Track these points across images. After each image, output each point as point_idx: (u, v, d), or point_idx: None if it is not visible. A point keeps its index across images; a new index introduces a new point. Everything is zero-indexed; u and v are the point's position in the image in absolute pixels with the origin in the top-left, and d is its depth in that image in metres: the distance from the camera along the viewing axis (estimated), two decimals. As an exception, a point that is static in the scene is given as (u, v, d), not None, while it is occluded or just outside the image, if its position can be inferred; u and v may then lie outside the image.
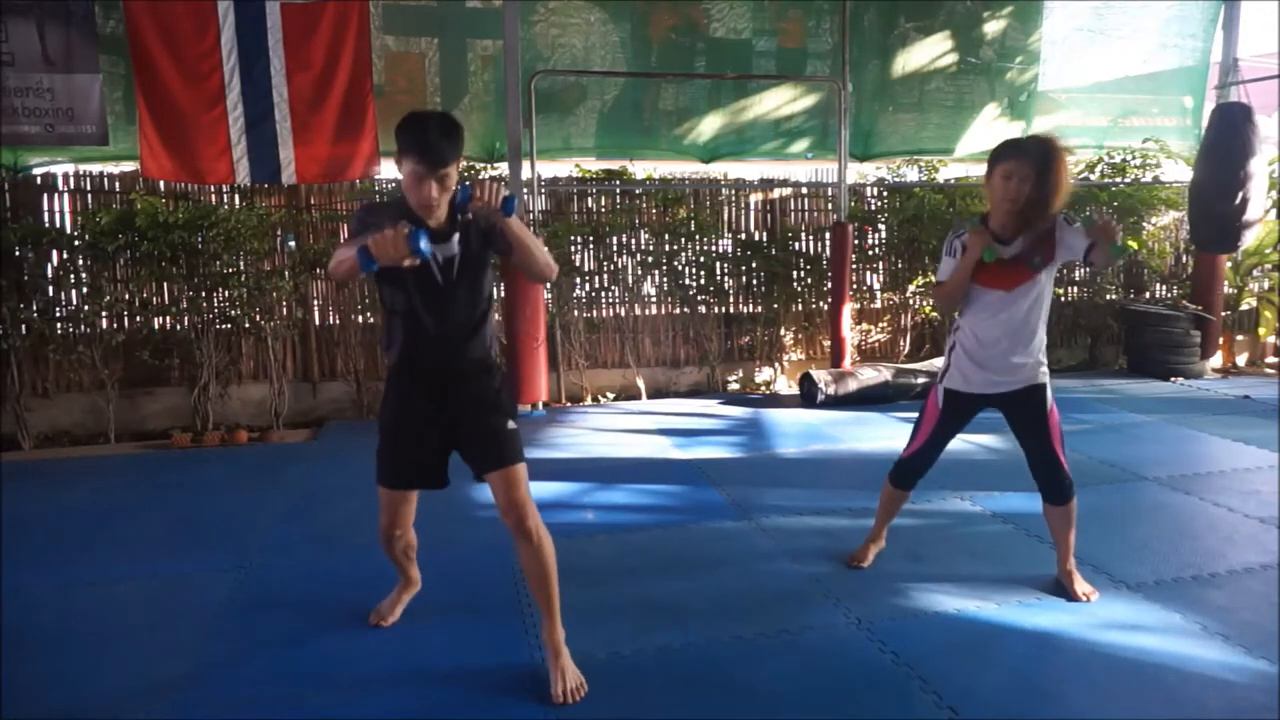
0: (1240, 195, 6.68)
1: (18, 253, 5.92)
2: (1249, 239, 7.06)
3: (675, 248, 7.27)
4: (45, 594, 3.45)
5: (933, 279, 7.58)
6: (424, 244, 2.26)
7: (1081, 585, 3.26)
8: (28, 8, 5.59)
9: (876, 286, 7.88)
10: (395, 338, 2.69)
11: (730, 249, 7.50)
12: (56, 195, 6.17)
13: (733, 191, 7.57)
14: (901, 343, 7.85)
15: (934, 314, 7.79)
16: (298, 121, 6.02)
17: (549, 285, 6.88)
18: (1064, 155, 2.90)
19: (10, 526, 4.18)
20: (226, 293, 6.20)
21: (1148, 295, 8.38)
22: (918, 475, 3.40)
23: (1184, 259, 8.37)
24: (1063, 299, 8.13)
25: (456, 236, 2.60)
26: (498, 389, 2.75)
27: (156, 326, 6.23)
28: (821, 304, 7.61)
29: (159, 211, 5.95)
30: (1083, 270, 8.26)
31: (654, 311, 7.39)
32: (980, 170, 4.44)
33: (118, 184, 6.29)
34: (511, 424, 2.74)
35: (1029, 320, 3.11)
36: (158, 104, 5.81)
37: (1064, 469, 3.17)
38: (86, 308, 6.02)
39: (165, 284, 6.23)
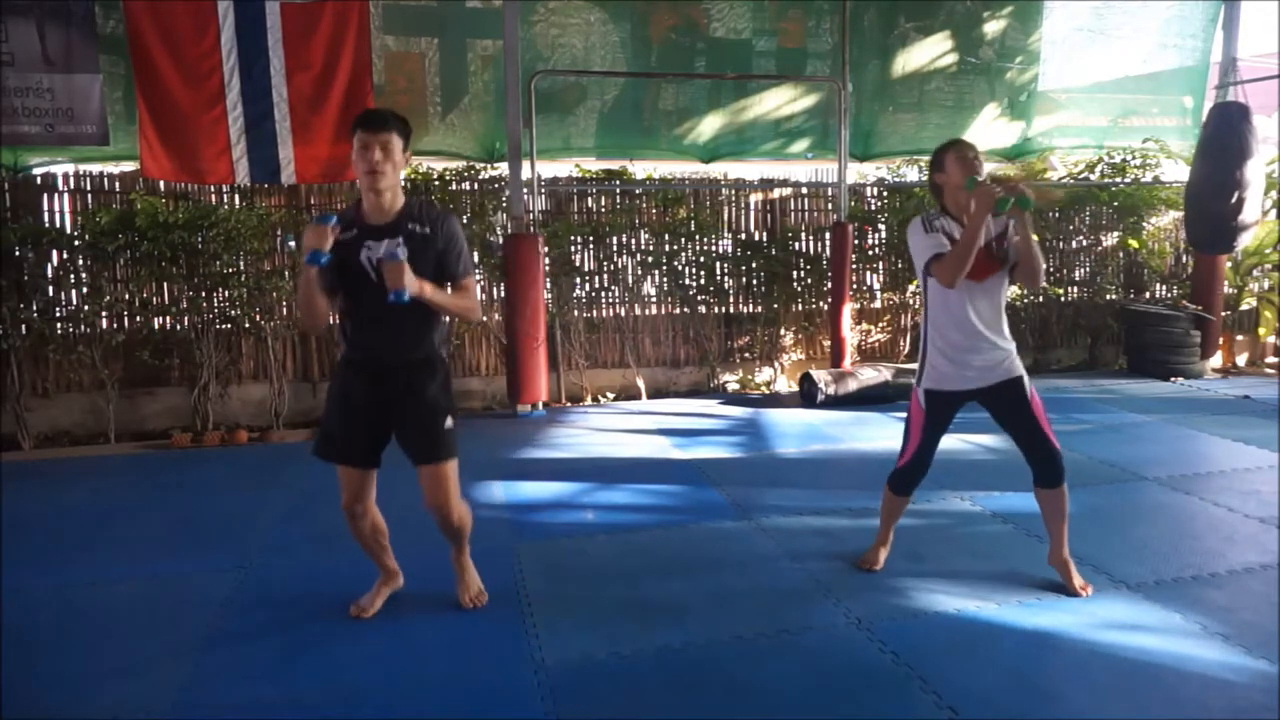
0: (1236, 195, 6.65)
1: (18, 253, 5.92)
2: (1245, 240, 7.04)
3: (675, 248, 7.27)
4: (45, 594, 3.45)
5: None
6: (332, 221, 2.66)
7: (1078, 579, 3.28)
8: (28, 8, 5.58)
9: (876, 286, 7.88)
10: (343, 331, 2.94)
11: (730, 249, 7.50)
12: (56, 195, 6.16)
13: (733, 191, 7.57)
14: (901, 343, 7.85)
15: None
16: (297, 121, 6.02)
17: (548, 285, 6.88)
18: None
19: (10, 526, 4.18)
20: (226, 293, 6.21)
21: (1148, 295, 8.38)
22: (916, 480, 3.40)
23: (1184, 259, 8.37)
24: (1063, 299, 8.14)
25: (401, 239, 2.73)
26: (437, 388, 2.90)
27: (156, 326, 6.23)
28: (821, 304, 7.61)
29: (159, 211, 5.95)
30: (1083, 270, 8.26)
31: (654, 311, 7.39)
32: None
33: (118, 184, 6.29)
34: (449, 422, 2.92)
35: (997, 310, 3.16)
36: (158, 104, 5.81)
37: (1056, 448, 3.19)
38: (86, 308, 6.02)
39: (165, 284, 6.23)
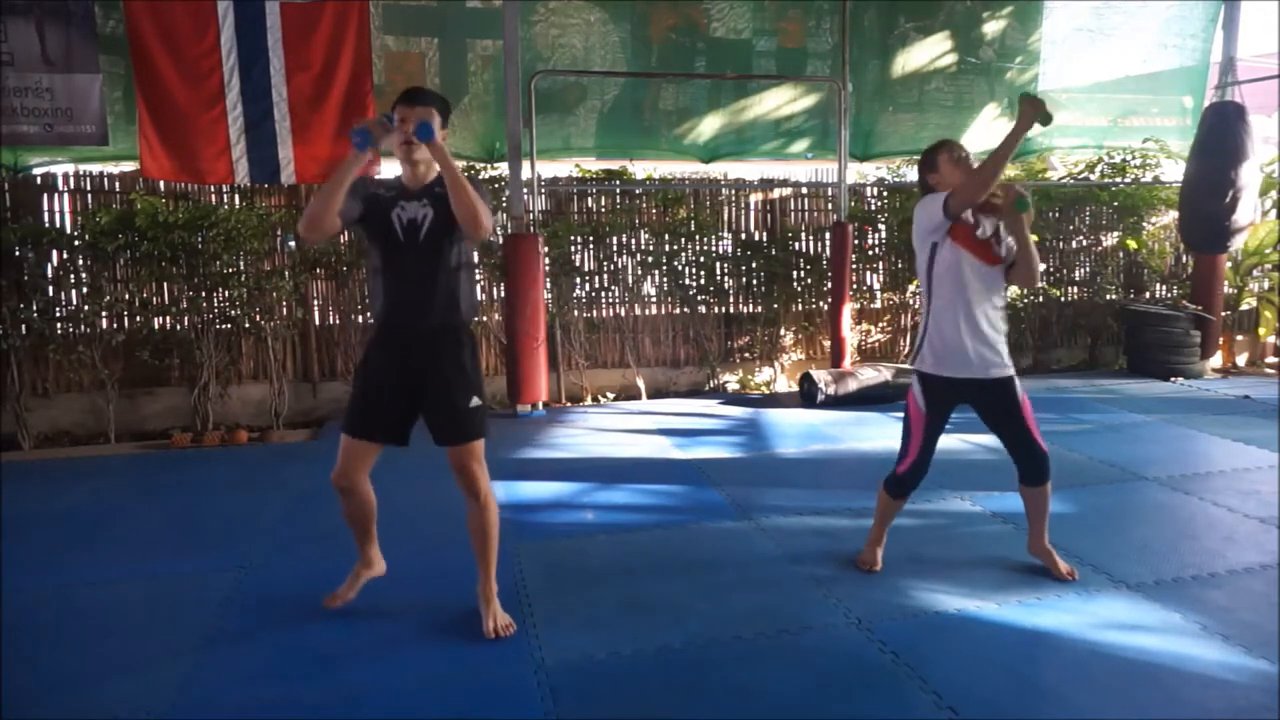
0: (1230, 194, 6.64)
1: (18, 253, 5.92)
2: (1239, 241, 7.04)
3: (675, 248, 7.27)
4: (45, 594, 3.45)
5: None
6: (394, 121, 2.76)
7: (1063, 564, 3.38)
8: (27, 7, 5.58)
9: (876, 286, 7.88)
10: (375, 295, 2.95)
11: (730, 249, 7.51)
12: (56, 195, 6.16)
13: (733, 191, 7.57)
14: (901, 343, 7.85)
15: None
16: (297, 121, 6.02)
17: (548, 285, 6.88)
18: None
19: (10, 527, 4.18)
20: (226, 293, 6.21)
21: (1148, 295, 8.38)
22: (915, 485, 3.42)
23: (1184, 259, 8.37)
24: (1062, 299, 8.14)
25: (427, 200, 2.84)
26: (466, 361, 2.92)
27: (156, 326, 6.23)
28: (821, 304, 7.61)
29: (159, 211, 5.95)
30: (1083, 270, 8.26)
31: (654, 311, 7.39)
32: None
33: (117, 184, 6.29)
34: (476, 399, 2.93)
35: (996, 304, 3.22)
36: (157, 104, 5.81)
37: (1041, 449, 3.28)
38: (86, 308, 6.02)
39: (165, 284, 6.23)
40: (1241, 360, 8.30)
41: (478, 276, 6.80)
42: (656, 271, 7.30)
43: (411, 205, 2.84)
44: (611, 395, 7.22)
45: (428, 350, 2.88)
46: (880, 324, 7.85)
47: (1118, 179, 8.16)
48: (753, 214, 7.62)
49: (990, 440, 5.17)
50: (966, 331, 3.17)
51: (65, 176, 6.21)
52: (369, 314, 3.06)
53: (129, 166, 6.26)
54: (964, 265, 3.16)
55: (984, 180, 3.02)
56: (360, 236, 2.96)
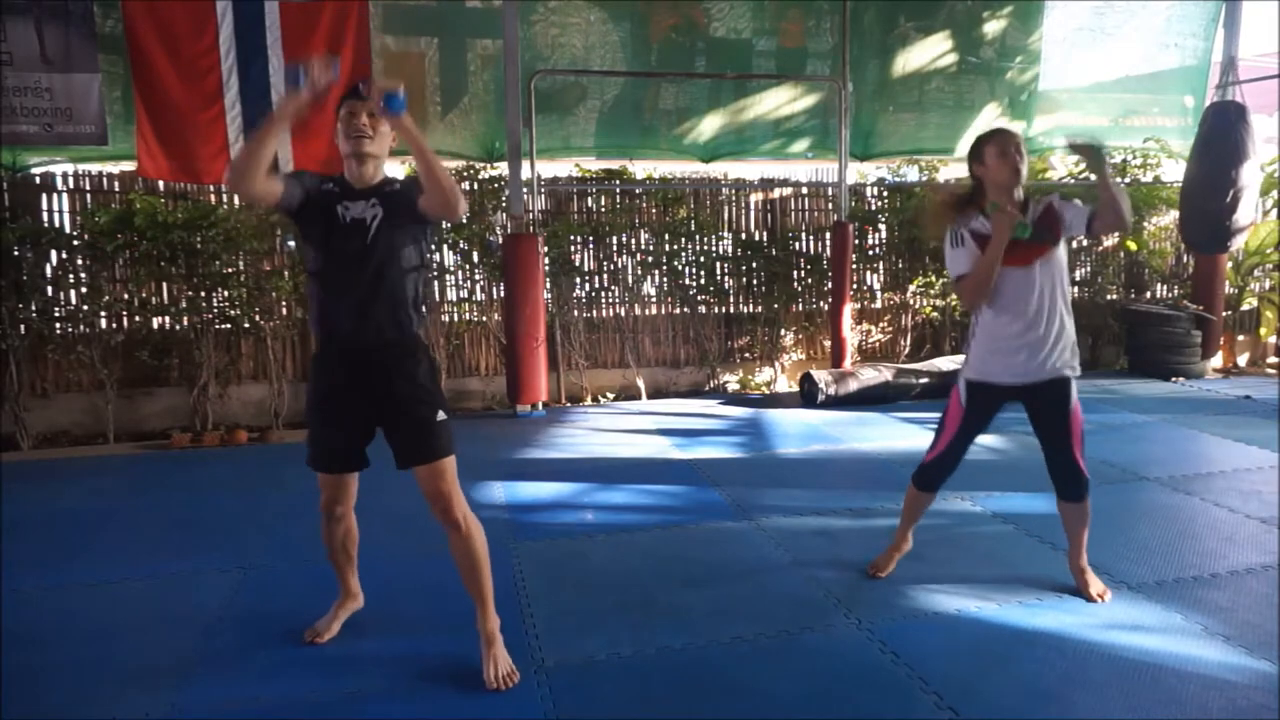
0: (1230, 194, 6.63)
1: (16, 252, 5.91)
2: (1240, 241, 7.03)
3: (675, 248, 7.27)
4: (45, 594, 3.44)
5: (933, 278, 7.62)
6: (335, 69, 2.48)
7: (1095, 585, 3.22)
8: (26, 7, 5.58)
9: (877, 286, 7.88)
10: (313, 303, 2.69)
11: (730, 249, 7.50)
12: (55, 195, 6.15)
13: (733, 191, 7.57)
14: (902, 343, 7.85)
15: (934, 314, 7.79)
16: (296, 120, 5.99)
17: (548, 285, 6.87)
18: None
19: (9, 527, 4.18)
20: (226, 293, 6.20)
21: (1149, 295, 8.38)
22: (943, 477, 3.32)
23: (1185, 259, 8.37)
24: (1063, 299, 8.12)
25: (376, 200, 2.60)
26: (424, 376, 2.67)
27: (156, 326, 6.22)
28: (822, 304, 7.61)
29: (158, 211, 5.95)
30: (1084, 270, 8.26)
31: (654, 311, 7.39)
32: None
33: (117, 183, 6.28)
34: (440, 414, 2.68)
35: (1053, 299, 3.01)
36: (155, 103, 5.80)
37: (1081, 469, 3.10)
38: (85, 308, 6.02)
39: (164, 284, 6.22)
40: (1243, 360, 8.30)
41: (477, 276, 6.89)
42: (656, 271, 7.30)
43: (358, 204, 2.58)
44: (611, 395, 7.21)
45: (384, 372, 2.62)
46: (881, 324, 7.84)
47: (1118, 179, 8.15)
48: (753, 214, 7.61)
49: (991, 440, 5.18)
50: (1021, 338, 3.00)
51: (64, 176, 6.20)
52: (313, 330, 2.79)
53: (128, 166, 6.25)
54: (1012, 276, 2.97)
55: (978, 286, 2.95)
56: (299, 236, 2.73)
